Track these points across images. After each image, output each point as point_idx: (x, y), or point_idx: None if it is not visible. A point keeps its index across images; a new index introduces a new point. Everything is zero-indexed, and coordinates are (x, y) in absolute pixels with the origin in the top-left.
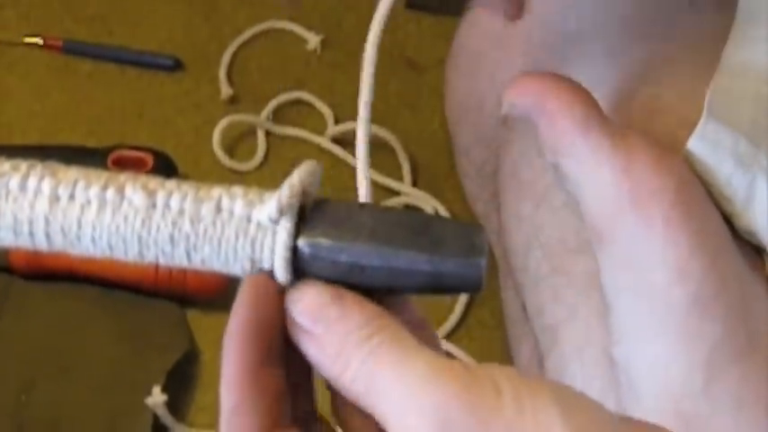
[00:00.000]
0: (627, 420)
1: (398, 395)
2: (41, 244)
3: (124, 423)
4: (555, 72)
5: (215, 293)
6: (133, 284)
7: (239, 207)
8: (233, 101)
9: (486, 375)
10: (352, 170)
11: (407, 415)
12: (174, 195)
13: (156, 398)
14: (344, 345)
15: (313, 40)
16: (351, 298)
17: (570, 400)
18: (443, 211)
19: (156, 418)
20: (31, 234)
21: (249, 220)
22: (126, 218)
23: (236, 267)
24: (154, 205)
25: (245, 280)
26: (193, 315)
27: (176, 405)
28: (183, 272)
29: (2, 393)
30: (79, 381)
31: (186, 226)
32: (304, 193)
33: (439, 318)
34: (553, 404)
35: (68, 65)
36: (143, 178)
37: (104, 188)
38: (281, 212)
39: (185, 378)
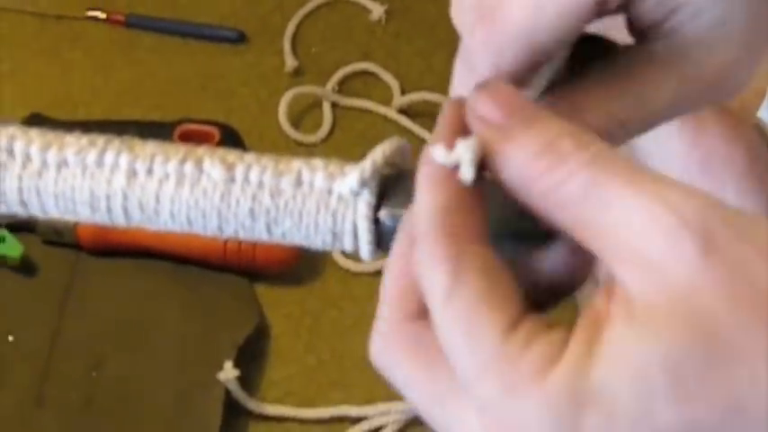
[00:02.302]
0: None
1: (638, 204)
2: (119, 219)
3: (196, 398)
4: None
5: (284, 267)
6: (201, 259)
7: (320, 180)
8: (297, 73)
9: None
10: (419, 141)
11: (652, 231)
12: (254, 169)
13: (228, 373)
14: (556, 142)
15: (377, 10)
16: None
17: None
18: None
19: (227, 393)
20: (109, 209)
21: (330, 192)
22: (205, 192)
23: (317, 240)
24: (233, 179)
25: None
26: (262, 289)
27: (247, 380)
28: (252, 246)
29: (72, 370)
30: (149, 357)
31: (266, 199)
32: (385, 166)
33: None
34: None
35: (131, 39)
36: (221, 152)
37: (182, 162)
38: (363, 185)
39: (255, 352)
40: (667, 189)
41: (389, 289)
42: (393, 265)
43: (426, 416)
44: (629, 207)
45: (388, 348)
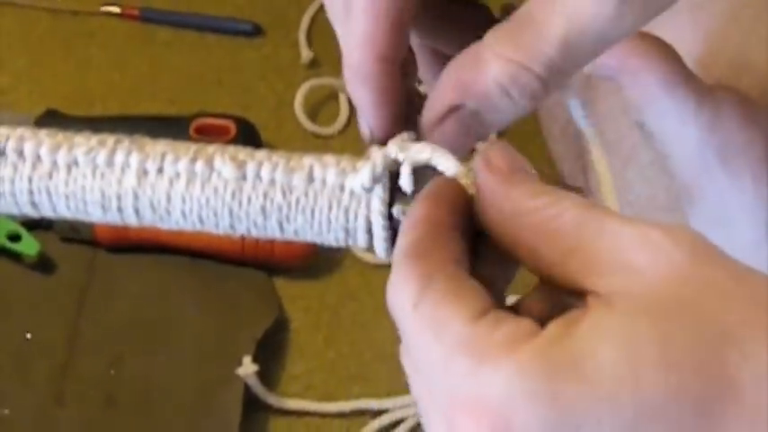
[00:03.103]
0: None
1: (629, 228)
2: (130, 219)
3: (215, 394)
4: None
5: (302, 261)
6: (219, 254)
7: (332, 176)
8: (314, 65)
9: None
10: None
11: (642, 247)
12: (265, 166)
13: (248, 368)
14: (553, 190)
15: None
16: None
17: None
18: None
19: (247, 388)
20: (120, 209)
21: (342, 188)
22: (216, 190)
23: (330, 237)
24: (244, 177)
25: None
26: (281, 283)
27: (267, 374)
28: (270, 240)
29: (91, 367)
30: (168, 353)
31: (278, 197)
32: (396, 161)
33: None
34: None
35: (147, 33)
36: (231, 149)
37: (193, 161)
38: (376, 180)
39: (275, 347)
40: (653, 223)
41: None
42: None
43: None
44: (620, 232)
45: None
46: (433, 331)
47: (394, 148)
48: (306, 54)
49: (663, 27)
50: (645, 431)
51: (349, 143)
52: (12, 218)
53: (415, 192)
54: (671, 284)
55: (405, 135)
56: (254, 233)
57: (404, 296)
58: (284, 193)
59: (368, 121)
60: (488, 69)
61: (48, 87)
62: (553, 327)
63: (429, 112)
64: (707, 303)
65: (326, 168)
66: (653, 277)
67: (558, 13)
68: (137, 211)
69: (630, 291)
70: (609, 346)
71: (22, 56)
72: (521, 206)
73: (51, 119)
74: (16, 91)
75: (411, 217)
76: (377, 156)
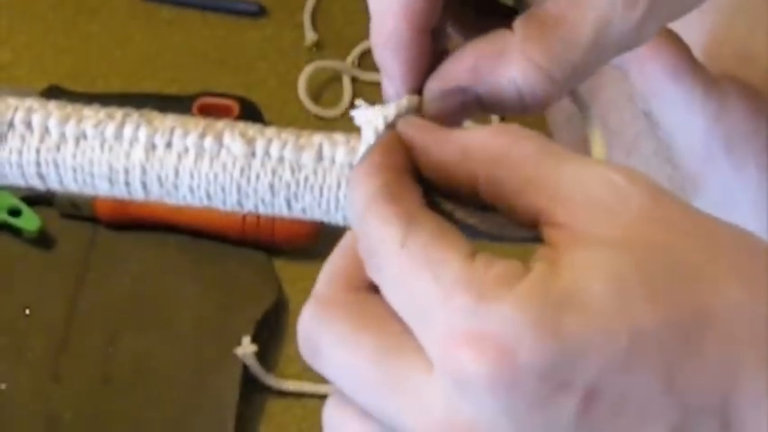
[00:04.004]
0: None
1: (587, 166)
2: (137, 193)
3: (213, 374)
4: None
5: (303, 242)
6: (220, 233)
7: (341, 154)
8: (317, 47)
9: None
10: None
11: (602, 184)
12: (274, 143)
13: (246, 348)
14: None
15: None
16: None
17: None
18: None
19: (245, 368)
20: (127, 183)
21: (351, 167)
22: (224, 166)
23: (338, 216)
24: (253, 153)
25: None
26: (281, 264)
27: (265, 355)
28: (271, 220)
29: (89, 344)
30: (167, 331)
31: (287, 174)
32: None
33: None
34: None
35: (149, 11)
36: (241, 125)
37: (202, 136)
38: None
39: (274, 328)
40: (610, 163)
41: (335, 261)
42: (345, 240)
43: (364, 386)
44: (578, 167)
45: (327, 314)
46: (430, 270)
47: (381, 120)
48: (310, 36)
49: None
50: (638, 358)
51: (352, 126)
52: (13, 193)
53: None
54: (639, 226)
55: (404, 101)
56: (262, 210)
57: (386, 236)
58: (293, 171)
59: (396, 90)
60: (510, 67)
61: (49, 63)
62: (539, 266)
63: (437, 83)
64: (675, 244)
65: (336, 147)
66: (622, 218)
67: (589, 14)
68: (144, 186)
69: (602, 229)
70: (599, 281)
71: (24, 32)
72: (474, 141)
73: (53, 95)
74: (18, 67)
75: (370, 165)
76: (382, 133)
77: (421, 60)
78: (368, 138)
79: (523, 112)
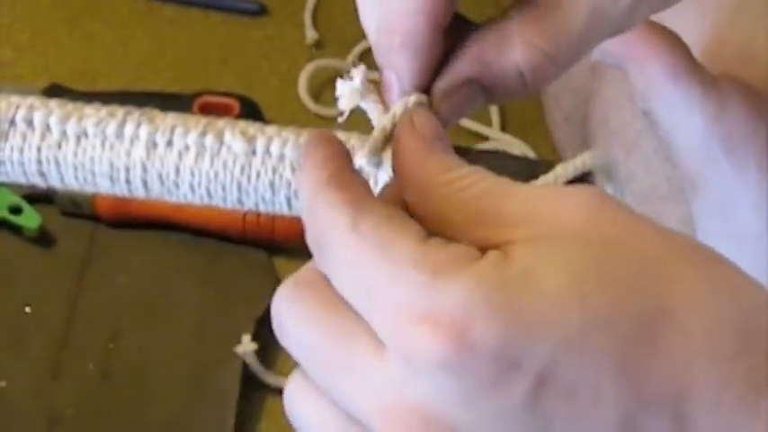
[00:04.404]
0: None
1: (534, 191)
2: (138, 191)
3: (213, 371)
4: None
5: (303, 240)
6: (220, 231)
7: None
8: (318, 45)
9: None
10: None
11: (548, 200)
12: (274, 141)
13: (247, 346)
14: (462, 165)
15: None
16: None
17: None
18: (532, 156)
19: (245, 366)
20: (128, 181)
21: None
22: (225, 164)
23: None
24: (254, 151)
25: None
26: (281, 262)
27: (265, 353)
28: (271, 219)
29: (89, 342)
30: (167, 329)
31: (287, 172)
32: None
33: None
34: None
35: (151, 10)
36: (242, 124)
37: (203, 134)
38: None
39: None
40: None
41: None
42: None
43: (321, 366)
44: (525, 191)
45: (296, 293)
46: (380, 250)
47: (389, 121)
48: (311, 35)
49: (669, 17)
50: (590, 341)
51: (352, 125)
52: (13, 190)
53: None
54: (591, 225)
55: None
56: (262, 208)
57: (336, 221)
58: (293, 169)
59: (404, 88)
60: (512, 53)
61: (51, 62)
62: (494, 252)
63: (445, 82)
64: (628, 240)
65: None
66: (570, 222)
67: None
68: (145, 184)
69: (550, 232)
70: (552, 267)
71: (26, 30)
72: (432, 179)
73: (55, 93)
74: (19, 65)
75: (316, 158)
76: (377, 130)
77: (435, 61)
78: (377, 135)
79: (524, 95)
